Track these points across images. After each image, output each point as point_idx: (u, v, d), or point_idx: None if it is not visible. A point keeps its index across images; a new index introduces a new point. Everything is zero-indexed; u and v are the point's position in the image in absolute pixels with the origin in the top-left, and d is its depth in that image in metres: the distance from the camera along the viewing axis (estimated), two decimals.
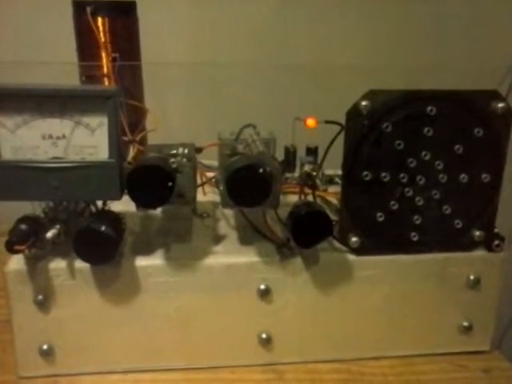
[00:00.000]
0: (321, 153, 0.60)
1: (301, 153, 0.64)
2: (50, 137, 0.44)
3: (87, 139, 0.44)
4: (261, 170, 0.44)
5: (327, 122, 0.48)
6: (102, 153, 0.45)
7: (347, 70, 0.98)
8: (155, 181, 0.43)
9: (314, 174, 0.47)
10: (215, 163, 0.68)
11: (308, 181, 0.48)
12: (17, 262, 0.48)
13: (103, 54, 0.61)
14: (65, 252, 0.49)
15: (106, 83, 0.61)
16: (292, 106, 0.95)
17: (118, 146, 0.44)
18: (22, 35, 0.84)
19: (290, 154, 0.63)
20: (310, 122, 0.46)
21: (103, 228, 0.45)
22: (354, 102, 0.47)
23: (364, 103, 0.47)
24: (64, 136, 0.44)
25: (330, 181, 0.67)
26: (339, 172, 0.64)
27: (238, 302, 0.51)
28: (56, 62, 0.62)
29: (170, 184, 0.43)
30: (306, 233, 0.47)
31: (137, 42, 0.63)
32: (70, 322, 0.50)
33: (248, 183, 0.44)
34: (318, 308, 0.52)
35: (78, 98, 0.43)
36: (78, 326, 0.50)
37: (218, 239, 0.54)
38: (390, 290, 0.52)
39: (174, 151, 0.52)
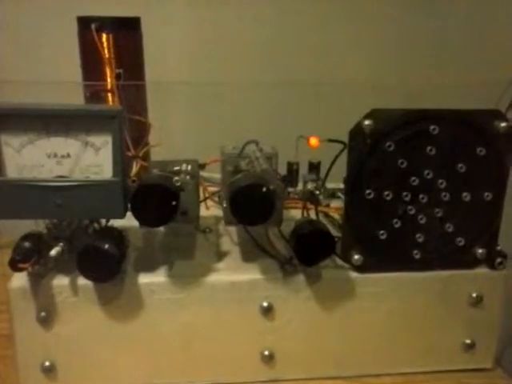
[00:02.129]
0: (323, 168, 0.60)
1: (303, 167, 0.65)
2: (55, 155, 0.44)
3: (92, 158, 0.45)
4: (264, 189, 0.44)
5: (330, 140, 0.48)
6: (107, 171, 0.45)
7: (348, 86, 0.98)
8: (159, 200, 0.44)
9: (317, 192, 0.47)
10: (217, 175, 0.68)
11: (311, 198, 0.48)
12: (20, 279, 0.49)
13: (107, 70, 0.61)
14: (68, 269, 0.49)
15: (110, 99, 0.61)
16: (292, 120, 0.96)
17: (122, 165, 0.44)
18: (26, 52, 0.84)
19: (293, 169, 0.64)
20: (313, 141, 0.47)
21: (106, 246, 0.45)
22: (357, 122, 0.48)
23: (367, 122, 0.47)
24: (69, 155, 0.44)
25: (332, 195, 0.68)
26: (341, 185, 0.65)
27: (240, 319, 0.51)
28: (59, 81, 0.62)
29: (174, 203, 0.44)
30: (308, 251, 0.47)
31: (141, 58, 0.64)
32: (72, 339, 0.50)
33: (251, 202, 0.44)
34: (321, 325, 0.52)
35: (83, 117, 0.44)
36: (81, 343, 0.50)
37: (221, 255, 0.54)
38: (393, 307, 0.52)
39: (178, 168, 0.53)
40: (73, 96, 0.58)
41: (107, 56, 0.60)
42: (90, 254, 0.45)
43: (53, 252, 0.46)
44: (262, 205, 0.45)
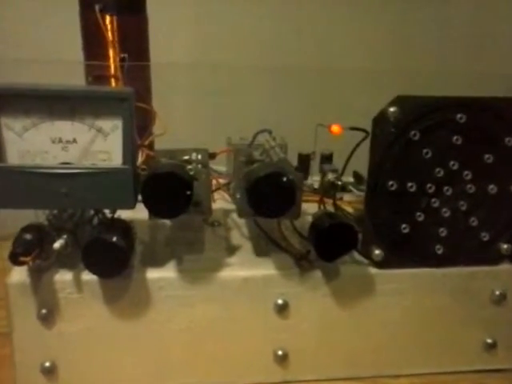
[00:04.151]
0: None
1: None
2: (60, 141, 0.41)
3: (100, 144, 0.41)
4: (285, 179, 0.41)
5: (352, 128, 0.45)
6: (116, 158, 0.42)
7: (351, 73, 0.95)
8: (173, 189, 0.40)
9: (339, 183, 0.44)
10: (221, 167, 0.65)
11: (331, 190, 0.45)
12: (20, 274, 0.45)
13: (111, 54, 0.57)
14: (71, 263, 0.46)
15: (114, 84, 0.57)
16: (297, 109, 0.93)
17: (132, 151, 0.41)
18: (24, 33, 0.80)
19: (305, 160, 0.60)
20: (336, 128, 0.44)
21: (114, 239, 0.42)
22: (381, 109, 0.45)
23: (392, 110, 0.44)
24: (75, 140, 0.41)
25: (343, 189, 0.64)
26: (351, 179, 0.62)
27: (253, 317, 0.48)
28: (62, 60, 0.58)
29: (189, 193, 0.40)
30: (329, 246, 0.44)
31: (146, 42, 0.60)
32: (75, 338, 0.47)
33: (272, 192, 0.41)
34: (337, 323, 0.49)
35: (91, 99, 0.40)
36: (84, 343, 0.47)
37: (232, 250, 0.51)
38: (412, 304, 0.50)
39: (187, 157, 0.49)
40: (74, 81, 0.54)
41: (111, 39, 0.57)
42: (96, 248, 0.42)
43: (56, 245, 0.42)
44: (283, 195, 0.42)
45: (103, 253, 0.42)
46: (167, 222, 0.57)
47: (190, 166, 0.44)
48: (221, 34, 0.91)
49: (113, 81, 0.59)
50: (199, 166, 0.47)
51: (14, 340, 0.46)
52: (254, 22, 0.92)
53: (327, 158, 0.61)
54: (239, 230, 0.57)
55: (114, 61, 0.57)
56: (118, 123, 0.41)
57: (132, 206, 0.43)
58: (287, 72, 0.90)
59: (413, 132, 0.45)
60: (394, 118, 0.45)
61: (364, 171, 0.52)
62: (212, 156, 0.53)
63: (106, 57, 0.59)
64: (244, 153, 0.52)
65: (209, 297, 0.47)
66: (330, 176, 0.46)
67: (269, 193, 0.41)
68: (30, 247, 0.42)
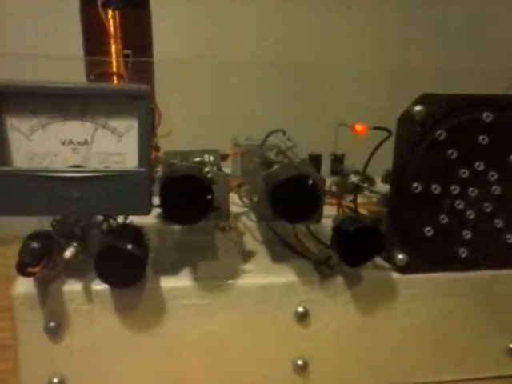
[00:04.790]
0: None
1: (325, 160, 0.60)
2: (71, 142, 0.38)
3: (113, 145, 0.38)
4: (310, 181, 0.39)
5: (376, 128, 0.43)
6: (130, 161, 0.39)
7: (347, 70, 0.94)
8: (193, 194, 0.38)
9: (365, 185, 0.42)
10: (226, 169, 0.63)
11: (356, 192, 0.43)
12: (25, 285, 0.42)
13: (113, 50, 0.54)
14: (79, 272, 0.43)
15: (117, 82, 0.55)
16: (300, 107, 0.91)
17: (148, 153, 0.38)
18: (21, 28, 0.76)
19: (315, 160, 0.58)
20: (360, 127, 0.41)
21: (129, 246, 0.39)
22: (407, 107, 0.42)
23: (418, 108, 0.42)
24: (86, 141, 0.38)
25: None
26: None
27: (272, 326, 0.46)
28: (62, 56, 0.55)
29: (209, 197, 0.38)
30: (355, 250, 0.42)
31: (149, 38, 0.57)
32: (85, 352, 0.44)
33: (296, 196, 0.39)
34: (359, 331, 0.47)
35: (105, 98, 0.37)
36: (95, 356, 0.44)
37: (248, 256, 0.49)
38: (434, 309, 0.48)
39: (199, 159, 0.47)
40: (74, 79, 0.51)
41: (114, 35, 0.54)
42: (110, 256, 0.39)
43: (67, 253, 0.40)
44: (308, 199, 0.39)
45: (118, 262, 0.39)
46: (175, 226, 0.54)
47: (207, 169, 0.41)
48: (219, 32, 0.88)
49: (116, 79, 0.55)
50: (214, 168, 0.44)
51: (20, 354, 0.43)
52: (253, 19, 0.90)
53: (339, 160, 0.59)
54: (251, 235, 0.54)
55: (118, 57, 0.54)
56: (132, 123, 0.38)
57: (148, 212, 0.40)
58: (289, 69, 0.88)
59: (438, 132, 0.43)
60: (419, 117, 0.43)
61: (374, 172, 0.50)
62: (224, 157, 0.50)
63: (107, 54, 0.56)
64: (257, 154, 0.50)
65: (226, 306, 0.45)
66: (354, 178, 0.44)
67: (293, 196, 0.39)
68: (39, 257, 0.39)
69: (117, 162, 0.39)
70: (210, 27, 0.88)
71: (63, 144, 0.38)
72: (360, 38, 0.97)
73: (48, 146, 0.38)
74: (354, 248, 0.42)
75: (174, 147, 0.50)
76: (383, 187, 0.53)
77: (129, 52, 0.54)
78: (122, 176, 0.38)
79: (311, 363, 0.47)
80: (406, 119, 0.43)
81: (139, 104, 0.37)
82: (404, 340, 0.48)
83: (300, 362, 0.47)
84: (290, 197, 0.39)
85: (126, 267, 0.39)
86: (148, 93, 0.37)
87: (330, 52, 0.96)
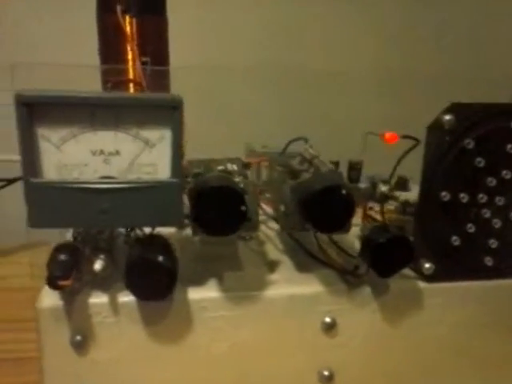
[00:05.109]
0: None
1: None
2: (102, 153, 0.37)
3: (145, 156, 0.38)
4: (344, 191, 0.38)
5: (404, 136, 0.43)
6: (161, 172, 0.38)
7: (355, 76, 0.94)
8: (229, 204, 0.37)
9: (397, 195, 0.42)
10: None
11: (384, 202, 0.43)
12: (51, 297, 0.42)
13: (130, 57, 0.54)
14: (104, 284, 0.42)
15: (133, 91, 0.54)
16: (303, 113, 0.91)
17: (181, 163, 0.37)
18: (34, 34, 0.75)
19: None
20: (390, 136, 0.41)
21: (160, 258, 0.38)
22: (436, 116, 0.42)
23: (447, 117, 0.42)
24: (118, 152, 0.37)
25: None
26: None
27: (299, 337, 0.45)
28: (82, 65, 0.54)
29: (244, 208, 0.37)
30: (386, 261, 0.41)
31: (166, 45, 0.57)
32: (110, 365, 0.43)
33: (331, 206, 0.38)
34: (385, 340, 0.47)
35: (138, 107, 0.37)
36: (121, 370, 0.43)
37: (272, 266, 0.48)
38: (460, 318, 0.48)
39: (222, 167, 0.46)
40: (89, 87, 0.50)
41: (132, 42, 0.53)
42: (140, 268, 0.38)
43: (97, 266, 0.39)
44: (342, 209, 0.39)
45: (149, 274, 0.38)
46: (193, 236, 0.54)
47: (237, 179, 0.41)
48: (228, 37, 0.88)
49: (134, 87, 0.55)
50: (241, 177, 0.44)
51: (45, 367, 0.43)
52: (262, 24, 0.90)
53: (356, 168, 0.58)
54: (272, 244, 0.54)
55: (136, 65, 0.54)
56: (165, 133, 0.37)
57: (180, 223, 0.39)
58: (297, 75, 0.88)
59: (467, 140, 0.43)
60: (448, 126, 0.42)
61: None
62: (246, 166, 0.50)
63: (124, 61, 0.55)
64: (280, 162, 0.49)
65: (254, 317, 0.44)
66: (383, 188, 0.43)
67: (328, 206, 0.39)
68: (69, 269, 0.38)
69: (148, 173, 0.38)
70: (218, 33, 0.88)
71: (94, 154, 0.37)
72: (367, 42, 0.97)
73: (78, 156, 0.37)
74: (386, 258, 0.42)
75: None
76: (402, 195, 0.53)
77: (147, 59, 0.53)
78: (154, 187, 0.38)
79: (337, 374, 0.47)
80: (435, 128, 0.43)
81: (173, 114, 0.37)
82: (428, 349, 0.48)
83: (326, 373, 0.46)
84: (324, 207, 0.39)
85: (157, 280, 0.39)
86: (181, 103, 0.37)
87: (337, 58, 0.96)
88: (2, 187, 0.66)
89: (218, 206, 0.37)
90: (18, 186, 0.67)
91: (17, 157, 0.65)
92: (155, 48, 0.57)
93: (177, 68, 0.59)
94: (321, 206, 0.39)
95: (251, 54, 0.92)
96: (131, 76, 0.55)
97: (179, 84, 0.76)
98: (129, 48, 0.53)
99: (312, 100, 0.94)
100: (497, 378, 0.50)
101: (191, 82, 0.85)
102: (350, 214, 0.39)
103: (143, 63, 0.54)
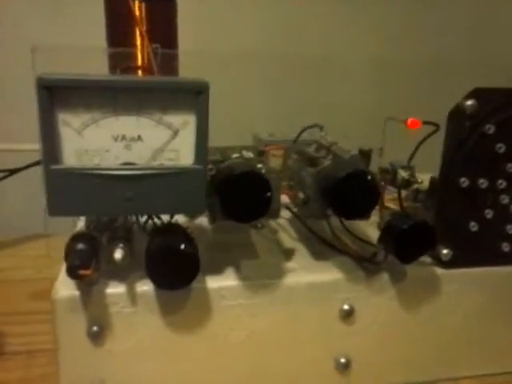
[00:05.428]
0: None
1: None
2: (124, 138, 0.36)
3: (168, 142, 0.37)
4: (369, 177, 0.38)
5: (425, 122, 0.42)
6: (184, 158, 0.37)
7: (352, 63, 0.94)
8: (255, 191, 0.36)
9: (419, 181, 0.42)
10: None
11: (405, 189, 0.43)
12: (67, 288, 0.41)
13: (139, 43, 0.52)
14: (120, 274, 0.41)
15: None
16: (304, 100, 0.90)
17: (206, 150, 0.36)
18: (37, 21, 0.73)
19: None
20: (413, 122, 0.41)
21: (183, 246, 0.38)
22: (458, 102, 0.42)
23: (469, 103, 0.42)
24: (140, 137, 0.36)
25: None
26: None
27: (318, 324, 0.45)
28: (97, 46, 0.52)
29: (269, 194, 0.36)
30: (409, 247, 0.41)
31: (175, 31, 0.55)
32: (127, 356, 0.42)
33: (356, 192, 0.38)
34: (402, 327, 0.47)
35: (161, 92, 0.36)
36: (138, 360, 0.43)
37: (288, 254, 0.48)
38: (476, 304, 0.48)
39: (237, 155, 0.45)
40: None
41: (141, 27, 0.52)
42: (164, 257, 0.38)
43: (117, 255, 0.38)
44: (367, 195, 0.38)
45: (171, 262, 0.38)
46: (205, 224, 0.53)
47: (259, 165, 0.40)
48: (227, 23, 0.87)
49: (143, 74, 0.53)
50: (262, 164, 0.43)
51: (61, 359, 0.42)
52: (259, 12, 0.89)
53: (366, 155, 0.58)
54: (285, 232, 0.53)
55: (146, 50, 0.52)
56: (189, 118, 0.37)
57: (203, 210, 0.39)
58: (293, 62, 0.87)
59: (488, 126, 0.43)
60: (470, 111, 0.42)
61: None
62: (261, 154, 0.49)
63: (133, 47, 0.54)
64: (295, 150, 0.48)
65: (272, 305, 0.44)
66: (404, 173, 0.43)
67: (353, 193, 0.38)
68: (88, 258, 0.37)
69: (171, 159, 0.37)
70: (217, 19, 0.87)
71: (115, 140, 0.36)
72: (362, 33, 0.97)
73: (100, 142, 0.36)
74: (408, 244, 0.41)
75: None
76: None
77: (157, 46, 0.52)
78: (179, 174, 0.37)
79: (354, 361, 0.47)
80: (456, 113, 0.43)
81: (199, 99, 0.36)
82: (445, 334, 0.48)
83: (343, 360, 0.46)
84: (349, 193, 0.38)
85: (180, 268, 0.38)
86: (208, 87, 0.36)
87: (332, 45, 0.95)
88: (4, 178, 0.64)
89: (245, 192, 0.37)
90: (19, 177, 0.65)
91: (16, 146, 0.63)
92: (165, 33, 0.55)
93: (185, 52, 0.57)
94: (346, 192, 0.38)
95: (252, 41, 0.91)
96: (140, 62, 0.54)
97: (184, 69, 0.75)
98: (138, 33, 0.52)
99: (311, 89, 0.94)
100: (508, 361, 0.50)
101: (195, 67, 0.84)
102: (375, 199, 0.39)
103: (154, 49, 0.53)
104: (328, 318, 0.45)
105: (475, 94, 0.42)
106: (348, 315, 0.45)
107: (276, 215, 0.42)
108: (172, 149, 0.37)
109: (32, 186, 0.46)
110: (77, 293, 0.40)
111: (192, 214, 0.49)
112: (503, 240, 0.47)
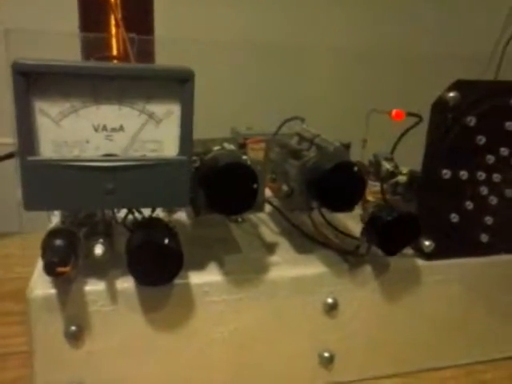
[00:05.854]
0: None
1: None
2: (104, 128, 0.35)
3: (150, 132, 0.35)
4: (355, 169, 0.38)
5: (409, 114, 0.42)
6: (167, 149, 0.36)
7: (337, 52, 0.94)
8: (242, 182, 0.35)
9: (404, 172, 0.42)
10: None
11: (389, 180, 0.42)
12: (43, 286, 0.39)
13: (113, 33, 0.51)
14: (99, 271, 0.40)
15: None
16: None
17: (190, 141, 0.35)
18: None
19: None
20: (398, 114, 0.41)
21: (166, 241, 0.36)
22: (440, 94, 0.42)
23: (451, 94, 0.42)
24: (122, 128, 0.35)
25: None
26: None
27: (301, 319, 0.45)
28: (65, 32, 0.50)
29: (256, 186, 0.36)
30: (394, 239, 0.41)
31: (151, 20, 0.54)
32: (108, 357, 0.41)
33: (342, 184, 0.37)
34: (385, 319, 0.47)
35: (144, 80, 0.34)
36: (119, 362, 0.41)
37: (270, 248, 0.47)
38: (458, 294, 0.49)
39: (218, 147, 0.44)
40: None
41: (117, 15, 0.50)
42: (147, 252, 0.36)
43: (98, 251, 0.36)
44: (354, 187, 0.38)
45: (155, 258, 0.36)
46: (184, 219, 0.52)
47: (245, 157, 0.39)
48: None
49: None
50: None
51: (36, 362, 0.40)
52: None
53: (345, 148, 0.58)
54: (267, 226, 0.52)
55: (118, 41, 0.51)
56: (172, 108, 0.35)
57: (187, 204, 0.37)
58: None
59: (469, 118, 0.43)
60: (453, 103, 0.42)
61: None
62: (242, 146, 0.48)
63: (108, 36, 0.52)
64: (278, 142, 0.48)
65: (256, 299, 0.43)
66: (388, 165, 0.43)
67: (339, 184, 0.38)
68: (67, 255, 0.36)
69: (153, 150, 0.36)
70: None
71: (96, 130, 0.35)
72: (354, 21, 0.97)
73: (79, 132, 0.34)
74: (393, 236, 0.41)
75: None
76: None
77: (134, 36, 0.50)
78: (161, 165, 0.36)
79: (338, 354, 0.46)
80: (439, 105, 0.43)
81: (184, 88, 0.34)
82: (427, 326, 0.49)
83: (326, 355, 0.46)
84: (336, 185, 0.38)
85: (163, 264, 0.37)
86: (193, 75, 0.34)
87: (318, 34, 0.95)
88: None
89: (232, 184, 0.36)
90: None
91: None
92: (140, 23, 0.54)
93: (162, 38, 0.56)
94: (332, 184, 0.38)
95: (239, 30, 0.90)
96: (115, 51, 0.52)
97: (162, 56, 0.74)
98: (113, 21, 0.50)
99: (287, 80, 0.93)
100: (497, 348, 0.51)
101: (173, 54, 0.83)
102: (361, 191, 0.38)
103: (130, 39, 0.51)
104: (312, 311, 0.45)
105: (457, 85, 0.43)
106: (332, 309, 0.45)
107: (261, 208, 0.41)
108: (154, 139, 0.36)
109: (4, 181, 0.44)
110: (53, 291, 0.39)
111: (172, 208, 0.47)
112: (482, 231, 0.47)
